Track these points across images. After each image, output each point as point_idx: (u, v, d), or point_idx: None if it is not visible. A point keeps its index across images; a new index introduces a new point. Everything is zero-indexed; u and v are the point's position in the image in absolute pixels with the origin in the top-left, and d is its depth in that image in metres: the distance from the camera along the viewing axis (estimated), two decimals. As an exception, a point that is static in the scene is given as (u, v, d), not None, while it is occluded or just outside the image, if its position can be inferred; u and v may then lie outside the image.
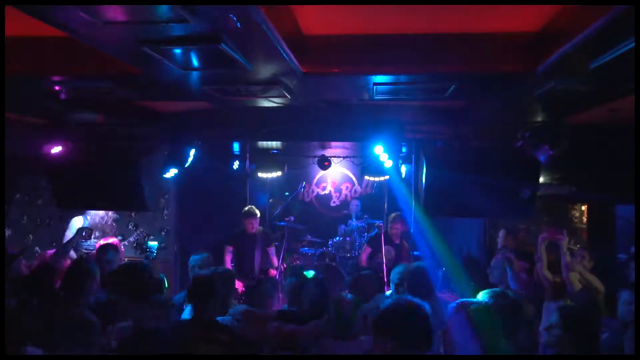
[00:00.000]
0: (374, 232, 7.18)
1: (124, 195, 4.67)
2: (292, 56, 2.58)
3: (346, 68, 2.87)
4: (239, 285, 5.90)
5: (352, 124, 4.81)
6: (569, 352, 2.79)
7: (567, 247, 4.61)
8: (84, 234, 5.31)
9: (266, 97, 3.66)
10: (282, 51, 2.48)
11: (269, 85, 3.17)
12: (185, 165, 4.98)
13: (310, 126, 4.88)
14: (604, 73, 2.81)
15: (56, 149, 4.97)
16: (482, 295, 2.97)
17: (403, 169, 5.28)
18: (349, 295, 3.41)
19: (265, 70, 2.86)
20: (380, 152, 4.97)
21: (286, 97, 3.47)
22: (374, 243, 6.95)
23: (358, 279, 4.38)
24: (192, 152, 5.02)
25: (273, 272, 6.68)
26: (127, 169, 4.59)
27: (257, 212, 6.75)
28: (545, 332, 3.03)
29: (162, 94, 3.74)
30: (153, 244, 5.47)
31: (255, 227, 6.67)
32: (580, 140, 4.73)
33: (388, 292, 4.69)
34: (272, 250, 6.80)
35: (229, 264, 6.65)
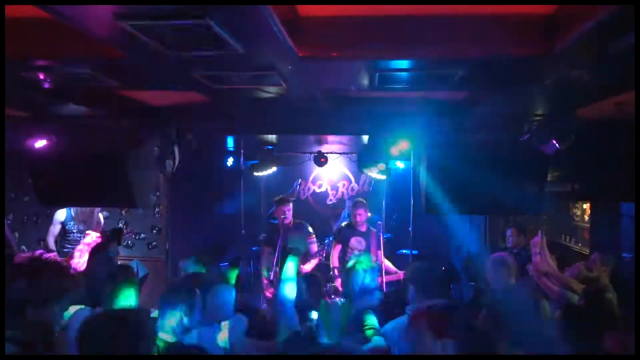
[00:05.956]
0: (337, 226, 6.62)
1: (111, 191, 4.43)
2: (287, 37, 2.36)
3: (346, 52, 2.65)
4: None
5: (351, 116, 4.60)
6: None
7: (540, 247, 3.87)
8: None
9: (260, 87, 3.43)
10: (276, 31, 2.26)
11: (262, 72, 2.95)
12: (176, 159, 4.72)
13: (308, 119, 4.65)
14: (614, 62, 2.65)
15: (39, 143, 4.75)
16: None
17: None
18: None
19: (258, 54, 2.64)
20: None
21: (281, 85, 3.25)
22: (340, 237, 6.40)
23: None
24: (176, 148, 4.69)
25: (303, 269, 5.71)
26: (114, 163, 4.35)
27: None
28: None
29: (149, 81, 3.49)
30: None
31: (289, 216, 6.14)
32: (584, 135, 4.55)
33: None
34: (312, 239, 6.16)
35: None
